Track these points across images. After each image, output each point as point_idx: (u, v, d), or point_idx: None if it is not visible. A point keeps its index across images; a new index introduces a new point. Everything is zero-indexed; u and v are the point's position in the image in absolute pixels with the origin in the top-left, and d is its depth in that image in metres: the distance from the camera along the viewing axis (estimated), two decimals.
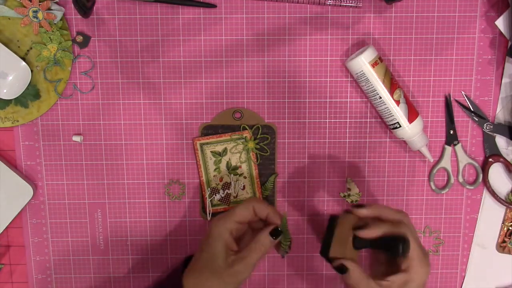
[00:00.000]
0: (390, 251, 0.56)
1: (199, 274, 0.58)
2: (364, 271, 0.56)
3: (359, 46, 0.67)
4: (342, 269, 0.56)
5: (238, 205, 0.60)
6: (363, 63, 0.63)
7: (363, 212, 0.58)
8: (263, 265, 0.72)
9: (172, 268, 0.66)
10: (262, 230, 0.59)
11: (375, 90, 0.64)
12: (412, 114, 0.65)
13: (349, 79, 0.68)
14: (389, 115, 0.65)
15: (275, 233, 0.59)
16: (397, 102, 0.64)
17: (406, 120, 0.65)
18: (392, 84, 0.64)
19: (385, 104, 0.65)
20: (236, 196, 0.70)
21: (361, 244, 0.58)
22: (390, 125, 0.66)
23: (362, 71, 0.64)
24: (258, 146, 0.69)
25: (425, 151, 0.67)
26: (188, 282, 0.58)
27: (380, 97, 0.64)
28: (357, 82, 0.66)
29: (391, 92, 0.64)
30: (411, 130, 0.65)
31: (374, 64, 0.63)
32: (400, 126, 0.65)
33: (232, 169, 0.69)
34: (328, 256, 0.58)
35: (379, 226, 0.57)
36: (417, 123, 0.65)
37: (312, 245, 0.71)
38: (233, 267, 0.57)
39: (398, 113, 0.64)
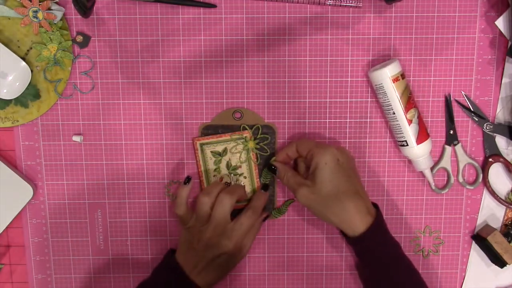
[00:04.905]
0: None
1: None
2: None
3: (360, 46, 0.67)
4: (273, 170, 0.67)
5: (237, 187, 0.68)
6: (385, 75, 0.63)
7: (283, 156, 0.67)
8: (263, 265, 0.72)
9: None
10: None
11: (390, 105, 0.64)
12: (422, 136, 0.65)
13: (349, 79, 0.68)
14: (399, 132, 0.65)
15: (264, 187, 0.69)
16: (409, 121, 0.64)
17: (414, 141, 0.65)
18: (409, 103, 0.64)
19: (397, 121, 0.65)
20: None
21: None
22: (398, 141, 0.66)
23: (382, 84, 0.64)
24: (258, 146, 0.69)
25: (428, 174, 0.68)
26: None
27: (394, 113, 0.64)
28: (375, 92, 0.66)
29: (406, 110, 0.64)
30: (417, 151, 0.65)
31: (395, 80, 0.63)
32: (407, 145, 0.65)
33: (232, 169, 0.69)
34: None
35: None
36: (425, 145, 0.65)
37: (312, 244, 0.71)
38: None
39: (408, 132, 0.65)
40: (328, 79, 0.68)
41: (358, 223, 0.61)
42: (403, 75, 0.64)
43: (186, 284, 0.62)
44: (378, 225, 0.62)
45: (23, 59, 0.65)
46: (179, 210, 0.65)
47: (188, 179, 0.66)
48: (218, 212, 0.64)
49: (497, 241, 0.68)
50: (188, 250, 0.64)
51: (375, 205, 0.65)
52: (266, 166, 0.68)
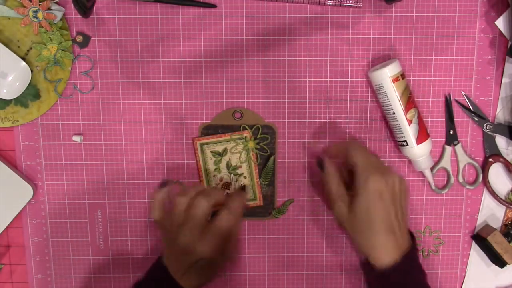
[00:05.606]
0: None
1: None
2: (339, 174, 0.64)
3: (360, 46, 0.67)
4: (321, 165, 0.64)
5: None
6: (385, 75, 0.63)
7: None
8: (263, 265, 0.72)
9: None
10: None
11: (390, 105, 0.64)
12: (422, 136, 0.65)
13: (349, 79, 0.68)
14: (399, 132, 0.65)
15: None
16: (409, 121, 0.64)
17: (414, 141, 0.65)
18: (409, 103, 0.64)
19: (397, 121, 0.65)
20: None
21: None
22: (398, 141, 0.66)
23: (381, 84, 0.64)
24: (258, 146, 0.69)
25: (428, 174, 0.68)
26: None
27: (394, 113, 0.64)
28: (375, 92, 0.66)
29: (406, 110, 0.64)
30: (417, 151, 0.65)
31: (395, 80, 0.63)
32: (407, 145, 0.65)
33: (232, 169, 0.69)
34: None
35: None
36: (425, 145, 0.65)
37: (312, 244, 0.71)
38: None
39: (408, 132, 0.65)
40: (328, 79, 0.68)
41: (383, 257, 0.59)
42: (403, 75, 0.64)
43: (174, 285, 0.61)
44: (404, 264, 0.59)
45: (23, 59, 0.65)
46: (154, 215, 0.64)
47: (164, 183, 0.65)
48: (192, 214, 0.61)
49: (497, 241, 0.68)
50: (170, 254, 0.63)
51: (412, 236, 0.63)
52: (317, 159, 0.65)
